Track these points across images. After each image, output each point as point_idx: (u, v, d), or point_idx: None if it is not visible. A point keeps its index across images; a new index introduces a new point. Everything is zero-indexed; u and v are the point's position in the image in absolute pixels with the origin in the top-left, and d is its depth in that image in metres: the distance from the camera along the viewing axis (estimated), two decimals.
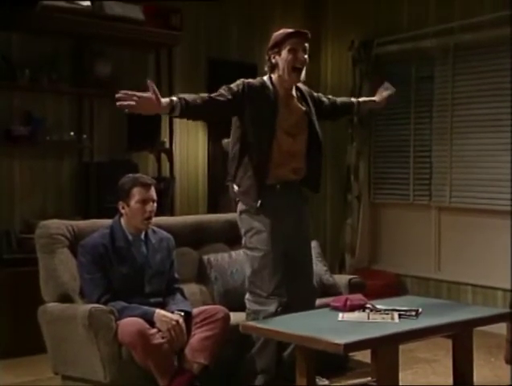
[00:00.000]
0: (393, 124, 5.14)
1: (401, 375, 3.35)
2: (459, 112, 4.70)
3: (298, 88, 3.15)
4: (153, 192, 3.14)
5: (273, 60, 3.04)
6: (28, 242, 3.71)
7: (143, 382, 2.90)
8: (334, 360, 3.37)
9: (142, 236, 3.16)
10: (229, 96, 2.96)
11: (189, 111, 2.89)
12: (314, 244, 3.92)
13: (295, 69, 3.00)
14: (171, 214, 4.54)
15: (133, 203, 3.08)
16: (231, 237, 3.88)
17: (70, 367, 3.09)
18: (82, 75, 4.26)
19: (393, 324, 2.71)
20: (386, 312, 2.86)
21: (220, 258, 3.67)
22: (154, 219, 3.36)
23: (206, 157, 5.06)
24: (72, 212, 4.16)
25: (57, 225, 3.25)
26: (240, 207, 3.16)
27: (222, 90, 3.00)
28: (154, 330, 2.90)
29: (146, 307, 2.99)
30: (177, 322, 2.95)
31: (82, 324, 2.90)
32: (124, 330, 2.88)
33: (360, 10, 5.22)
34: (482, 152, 4.59)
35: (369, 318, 2.81)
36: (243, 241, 3.17)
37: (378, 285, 4.62)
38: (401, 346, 3.03)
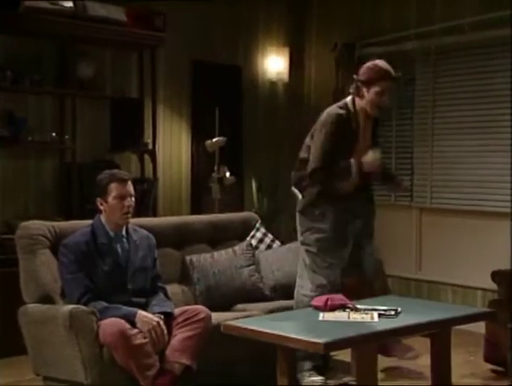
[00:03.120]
0: (375, 125, 5.18)
1: (380, 374, 3.43)
2: (440, 114, 4.76)
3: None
4: (130, 187, 3.15)
5: (361, 91, 3.29)
6: (9, 243, 3.70)
7: (125, 383, 2.90)
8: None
9: (124, 233, 3.17)
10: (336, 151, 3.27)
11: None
12: (296, 244, 3.91)
13: (378, 107, 3.30)
14: (154, 214, 4.56)
15: (110, 198, 3.08)
16: (213, 238, 3.92)
17: (51, 369, 3.08)
18: (65, 76, 4.27)
19: (372, 323, 2.75)
20: (366, 311, 2.90)
21: (202, 259, 3.69)
22: (137, 220, 3.39)
23: (189, 158, 5.08)
24: (54, 213, 4.15)
25: (38, 226, 3.25)
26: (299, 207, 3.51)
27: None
28: (136, 331, 2.90)
29: (127, 308, 3.00)
30: (158, 322, 2.96)
31: (63, 325, 2.90)
32: (105, 330, 2.88)
33: (343, 12, 5.28)
34: (463, 153, 4.65)
35: (349, 318, 2.84)
36: (301, 238, 3.46)
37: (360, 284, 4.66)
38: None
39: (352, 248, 3.41)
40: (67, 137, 4.29)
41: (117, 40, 4.35)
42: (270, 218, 5.03)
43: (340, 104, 3.37)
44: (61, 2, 4.06)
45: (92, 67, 4.34)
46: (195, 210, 4.97)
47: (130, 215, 3.15)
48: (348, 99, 3.36)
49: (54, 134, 4.25)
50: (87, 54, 4.34)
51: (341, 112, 3.29)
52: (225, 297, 3.59)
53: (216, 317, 3.12)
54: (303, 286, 3.42)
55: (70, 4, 4.08)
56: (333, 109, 3.33)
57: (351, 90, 3.34)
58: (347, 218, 3.38)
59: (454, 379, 3.07)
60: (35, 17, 3.96)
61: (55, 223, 3.34)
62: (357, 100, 3.32)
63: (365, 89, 3.27)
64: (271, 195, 5.19)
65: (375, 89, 3.23)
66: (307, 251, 3.42)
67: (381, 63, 3.31)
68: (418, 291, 4.76)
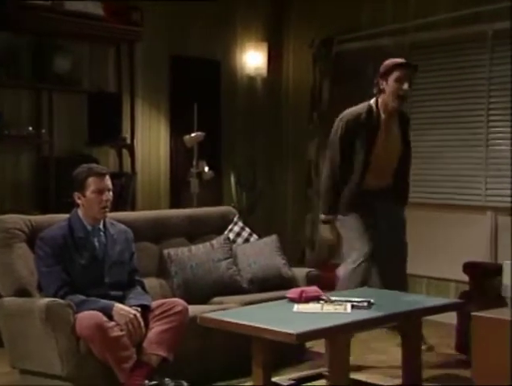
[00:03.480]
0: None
1: (356, 364, 3.49)
2: (416, 109, 4.83)
3: (399, 113, 3.67)
4: (108, 181, 3.17)
5: (381, 86, 3.50)
6: None
7: (101, 375, 2.93)
8: (291, 351, 3.46)
9: (101, 227, 3.19)
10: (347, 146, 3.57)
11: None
12: (273, 237, 4.01)
13: (398, 97, 3.46)
14: (133, 209, 4.58)
15: (88, 193, 3.10)
16: (191, 232, 3.95)
17: (28, 362, 3.10)
18: (41, 70, 4.26)
19: (345, 314, 2.80)
20: (340, 303, 2.95)
21: (180, 252, 3.72)
22: (115, 214, 3.41)
23: (168, 152, 5.09)
24: (30, 207, 4.15)
25: (14, 220, 3.25)
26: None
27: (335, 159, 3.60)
28: (113, 324, 2.93)
29: (104, 301, 3.03)
30: (135, 315, 2.99)
31: (40, 318, 2.92)
32: (82, 323, 2.91)
33: (321, 8, 5.33)
34: (440, 148, 4.73)
35: (322, 309, 2.89)
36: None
37: (337, 278, 4.72)
38: (355, 337, 3.20)
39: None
40: (44, 131, 4.29)
41: (95, 34, 4.36)
42: (249, 212, 5.08)
43: (359, 106, 3.63)
44: None
45: (70, 61, 4.34)
46: (174, 204, 4.99)
47: (107, 210, 3.17)
48: (372, 100, 3.59)
49: (31, 128, 4.24)
50: (64, 48, 4.34)
51: (355, 113, 3.57)
52: (202, 290, 3.63)
53: (194, 310, 3.16)
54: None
55: None
56: (345, 114, 3.62)
57: (374, 91, 3.58)
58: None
59: (426, 369, 3.15)
60: (10, 11, 3.95)
61: (32, 217, 3.35)
62: (380, 98, 3.55)
63: (384, 83, 3.50)
64: (250, 190, 5.21)
65: (393, 77, 3.45)
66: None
67: (396, 58, 3.57)
68: None
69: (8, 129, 4.13)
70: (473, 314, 1.91)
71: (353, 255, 3.67)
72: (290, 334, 2.51)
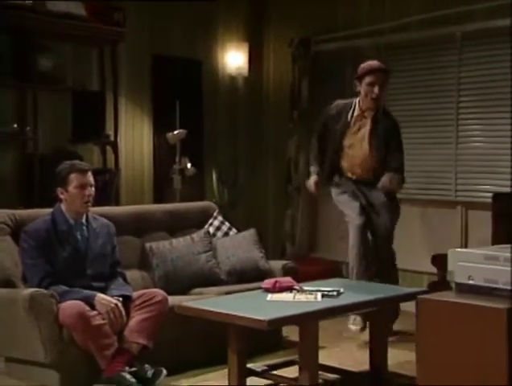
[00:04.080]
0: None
1: (328, 351, 3.64)
2: (391, 108, 4.95)
3: (385, 113, 3.89)
4: (90, 177, 3.30)
5: (358, 88, 3.78)
6: None
7: (84, 362, 3.06)
8: (269, 340, 3.60)
9: (84, 221, 3.31)
10: (323, 130, 4.00)
11: None
12: (251, 232, 4.14)
13: (371, 99, 3.73)
14: (117, 204, 4.66)
15: (71, 188, 3.22)
16: (172, 226, 4.07)
17: (12, 349, 3.22)
18: (25, 70, 4.34)
19: (315, 303, 2.94)
20: (311, 292, 3.09)
21: (161, 246, 3.84)
22: (99, 209, 3.53)
23: (151, 149, 5.19)
24: (15, 202, 4.21)
25: None
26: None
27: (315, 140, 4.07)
28: (95, 313, 3.06)
29: (86, 291, 3.14)
30: (116, 304, 3.12)
31: (23, 307, 3.04)
32: (65, 312, 3.03)
33: (300, 9, 5.45)
34: (412, 145, 4.82)
35: (294, 298, 3.03)
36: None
37: (316, 271, 4.86)
38: (330, 325, 3.36)
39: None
40: (28, 128, 4.37)
41: (77, 34, 4.44)
42: (230, 208, 5.21)
43: (348, 99, 3.94)
44: None
45: (53, 61, 4.42)
46: (157, 200, 5.08)
47: (89, 204, 3.30)
48: (357, 99, 3.85)
49: (15, 126, 4.32)
50: (47, 48, 4.42)
51: (340, 103, 3.91)
52: (182, 281, 3.75)
53: (174, 300, 3.28)
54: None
55: None
56: (335, 102, 3.98)
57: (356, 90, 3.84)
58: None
59: (393, 358, 3.27)
60: None
61: (16, 211, 3.46)
62: (359, 98, 3.80)
63: (359, 84, 3.74)
64: (231, 186, 5.33)
65: (366, 81, 3.68)
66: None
67: (372, 61, 3.79)
68: None
69: None
70: (418, 296, 2.05)
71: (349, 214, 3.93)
72: (261, 320, 2.65)
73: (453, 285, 2.00)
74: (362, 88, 3.74)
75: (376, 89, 3.70)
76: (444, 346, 1.88)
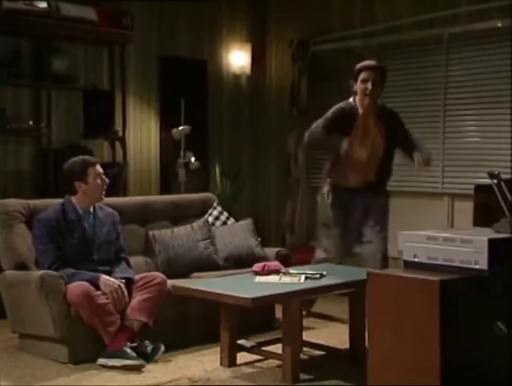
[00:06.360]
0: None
1: (316, 332, 3.91)
2: None
3: (382, 109, 3.91)
4: (101, 168, 3.62)
5: (354, 87, 3.83)
6: None
7: (89, 337, 3.35)
8: (263, 320, 3.91)
9: (91, 210, 3.62)
10: (334, 124, 3.83)
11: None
12: (248, 221, 4.41)
13: (366, 95, 3.75)
14: (125, 195, 4.95)
15: (91, 180, 3.54)
16: (175, 216, 4.32)
17: (26, 326, 3.52)
18: (41, 70, 4.64)
19: (298, 284, 3.22)
20: (296, 275, 3.38)
21: (163, 234, 4.11)
22: (108, 200, 3.78)
23: (158, 144, 5.46)
24: (30, 194, 4.49)
25: (14, 203, 3.67)
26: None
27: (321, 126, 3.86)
28: (99, 292, 3.35)
29: (92, 273, 3.45)
30: (119, 285, 3.42)
31: (35, 287, 3.34)
32: (72, 291, 3.33)
33: (299, 11, 5.68)
34: None
35: (280, 280, 3.32)
36: None
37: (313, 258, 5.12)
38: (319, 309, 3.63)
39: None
40: (43, 125, 4.67)
41: (89, 38, 4.75)
42: (233, 200, 5.48)
43: (342, 102, 3.90)
44: (36, 3, 4.44)
45: (66, 62, 4.73)
46: (164, 191, 5.35)
47: (105, 193, 3.61)
48: (351, 99, 3.87)
49: (31, 122, 4.63)
50: (61, 50, 4.73)
51: (343, 106, 3.84)
52: (183, 266, 4.01)
53: (174, 283, 3.55)
54: None
55: (44, 5, 4.46)
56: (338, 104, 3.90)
57: (353, 90, 3.86)
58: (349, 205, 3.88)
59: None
60: (12, 17, 4.32)
61: (30, 201, 3.76)
62: (356, 98, 3.83)
63: (355, 84, 3.80)
64: (234, 179, 5.57)
65: (360, 78, 3.75)
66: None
67: (366, 60, 3.87)
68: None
69: (10, 123, 4.53)
70: (369, 271, 2.32)
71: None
72: (246, 298, 2.94)
73: (402, 263, 2.27)
74: (358, 86, 3.77)
75: (369, 85, 3.72)
76: (391, 317, 2.14)
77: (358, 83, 3.79)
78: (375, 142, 3.83)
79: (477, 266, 2.14)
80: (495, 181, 2.37)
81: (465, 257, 2.17)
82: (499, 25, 4.41)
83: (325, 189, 4.00)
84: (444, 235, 2.20)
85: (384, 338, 2.16)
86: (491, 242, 2.16)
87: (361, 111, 3.83)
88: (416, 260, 2.22)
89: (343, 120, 3.81)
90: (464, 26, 4.55)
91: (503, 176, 2.45)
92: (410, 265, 2.24)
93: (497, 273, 2.15)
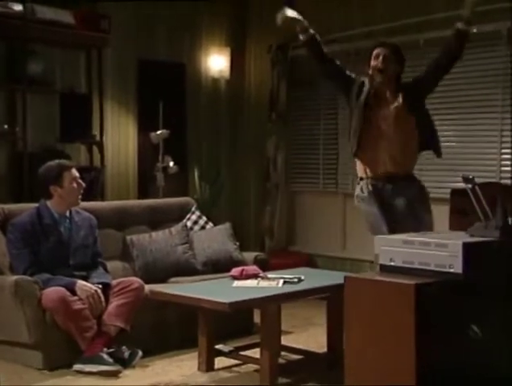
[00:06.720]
0: (305, 120, 5.70)
1: (295, 336, 3.92)
2: None
3: (398, 83, 3.71)
4: (76, 172, 3.60)
5: (368, 69, 3.68)
6: None
7: (65, 343, 3.32)
8: (241, 325, 3.90)
9: (67, 215, 3.58)
10: (344, 71, 3.72)
11: (315, 42, 3.83)
12: (226, 225, 4.41)
13: (375, 70, 3.61)
14: (102, 200, 4.92)
15: (67, 183, 3.51)
16: (153, 220, 4.31)
17: (0, 332, 3.46)
18: (16, 73, 4.60)
19: (276, 288, 3.23)
20: (274, 279, 3.38)
21: (141, 238, 4.10)
22: (85, 204, 3.77)
23: (136, 149, 5.45)
24: (5, 198, 4.41)
25: None
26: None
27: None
28: (75, 298, 3.33)
29: (68, 278, 3.42)
30: (96, 291, 3.40)
31: (9, 293, 3.31)
32: (47, 297, 3.30)
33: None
34: None
35: (258, 284, 3.32)
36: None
37: (293, 263, 5.12)
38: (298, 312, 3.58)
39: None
40: (18, 128, 4.62)
41: (66, 41, 4.71)
42: (211, 204, 5.48)
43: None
44: (11, 5, 4.39)
45: (42, 65, 4.68)
46: (141, 197, 5.33)
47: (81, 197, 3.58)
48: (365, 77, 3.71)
49: (6, 126, 4.58)
50: (36, 53, 4.68)
51: (356, 77, 3.73)
52: (161, 271, 4.00)
53: (151, 288, 3.54)
54: None
55: (20, 7, 4.41)
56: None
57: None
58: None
59: None
60: None
61: (5, 205, 3.73)
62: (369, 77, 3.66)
63: (369, 68, 3.64)
64: (212, 183, 5.57)
65: (372, 55, 3.64)
66: None
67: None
68: (342, 267, 5.23)
69: None
70: (345, 275, 2.34)
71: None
72: (223, 303, 2.93)
73: (377, 267, 2.28)
74: (370, 64, 3.58)
75: (380, 59, 3.53)
76: (367, 320, 2.15)
77: (371, 60, 3.59)
78: (392, 119, 3.54)
79: (452, 270, 2.16)
80: (469, 185, 2.40)
81: (440, 261, 2.19)
82: (474, 31, 4.46)
83: (360, 185, 3.66)
84: (420, 239, 2.22)
85: (360, 341, 2.17)
86: (465, 246, 2.18)
87: (373, 88, 3.58)
88: (392, 264, 2.23)
89: (351, 83, 3.68)
90: (439, 32, 4.59)
91: (477, 180, 2.48)
92: (386, 269, 2.25)
93: (472, 277, 2.18)
